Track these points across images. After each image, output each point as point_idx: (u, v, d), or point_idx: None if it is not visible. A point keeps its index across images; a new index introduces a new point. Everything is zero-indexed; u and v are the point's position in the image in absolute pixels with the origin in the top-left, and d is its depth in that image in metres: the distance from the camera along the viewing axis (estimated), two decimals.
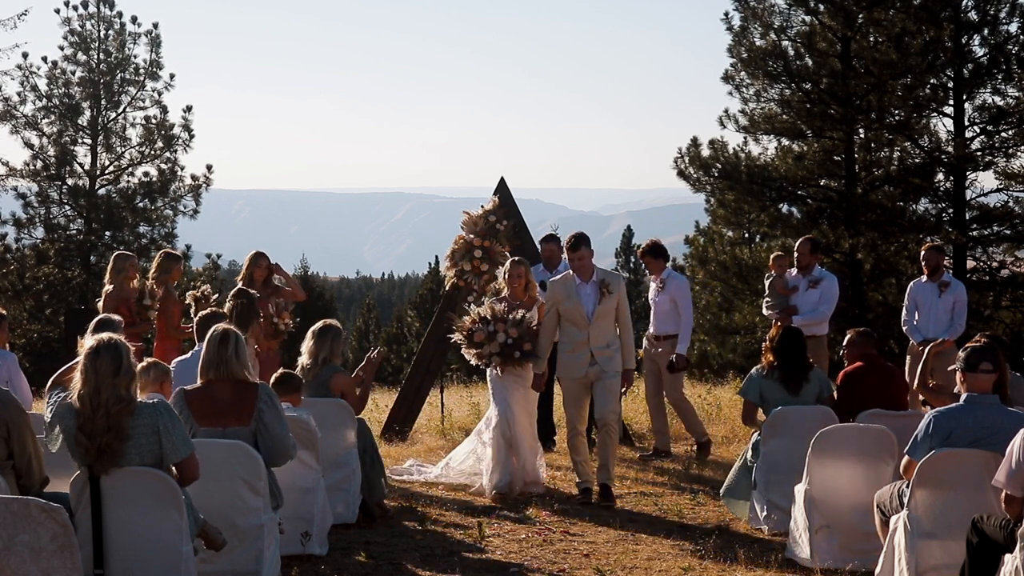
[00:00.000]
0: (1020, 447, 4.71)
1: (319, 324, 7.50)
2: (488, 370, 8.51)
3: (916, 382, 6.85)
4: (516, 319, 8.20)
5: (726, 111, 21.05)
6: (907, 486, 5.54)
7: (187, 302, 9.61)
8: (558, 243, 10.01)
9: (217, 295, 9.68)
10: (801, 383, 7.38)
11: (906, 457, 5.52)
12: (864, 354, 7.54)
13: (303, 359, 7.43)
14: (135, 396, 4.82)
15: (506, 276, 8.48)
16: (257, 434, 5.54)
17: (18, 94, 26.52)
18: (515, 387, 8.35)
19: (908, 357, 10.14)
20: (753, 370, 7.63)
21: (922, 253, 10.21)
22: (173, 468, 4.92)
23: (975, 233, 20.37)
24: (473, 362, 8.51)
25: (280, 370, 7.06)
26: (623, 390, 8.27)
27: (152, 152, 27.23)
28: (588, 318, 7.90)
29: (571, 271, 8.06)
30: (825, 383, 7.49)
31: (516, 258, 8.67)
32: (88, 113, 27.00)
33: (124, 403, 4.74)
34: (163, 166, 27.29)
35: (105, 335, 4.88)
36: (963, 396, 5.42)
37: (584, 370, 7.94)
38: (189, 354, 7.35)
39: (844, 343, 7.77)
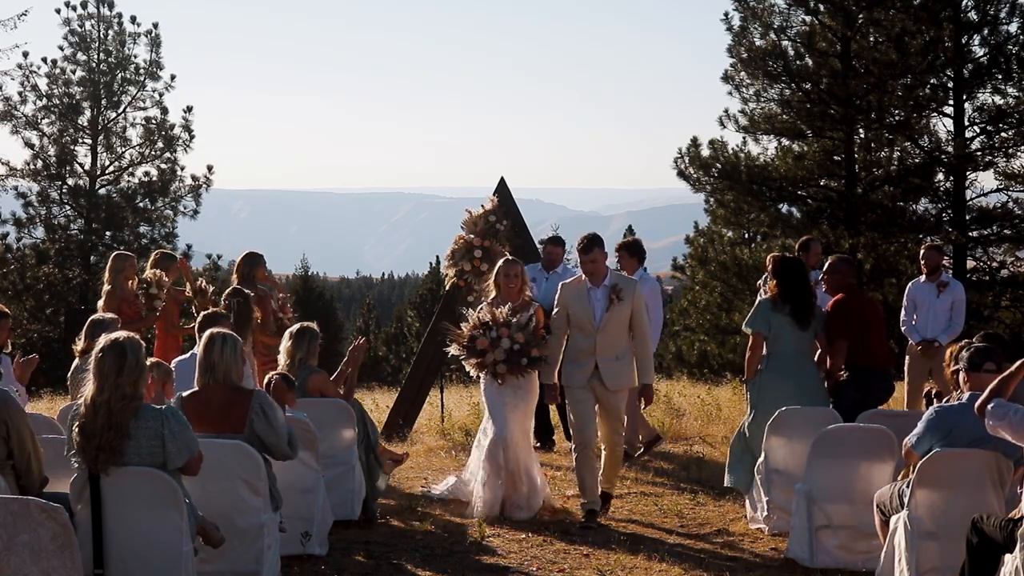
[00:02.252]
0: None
1: (296, 326, 7.55)
2: (482, 380, 7.86)
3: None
4: (521, 322, 7.57)
5: (726, 111, 21.09)
6: (907, 486, 5.55)
7: (186, 293, 9.61)
8: (562, 245, 9.98)
9: (212, 288, 9.70)
10: (809, 320, 7.46)
11: (907, 445, 5.55)
12: (846, 284, 7.77)
13: (281, 360, 7.46)
14: (141, 394, 4.82)
15: (500, 276, 7.79)
16: (251, 441, 5.54)
17: (19, 94, 26.58)
18: (513, 402, 7.68)
19: (907, 357, 10.14)
20: (761, 300, 7.69)
21: (921, 252, 10.22)
22: None
23: (975, 233, 20.38)
24: (474, 373, 7.82)
25: (273, 372, 7.05)
26: (642, 406, 7.79)
27: (152, 152, 27.28)
28: (596, 325, 7.30)
29: (583, 274, 7.45)
30: (822, 320, 7.61)
31: (510, 258, 8.07)
32: (88, 113, 27.05)
33: (127, 400, 4.74)
34: (163, 166, 27.34)
35: (116, 335, 4.89)
36: (966, 395, 5.43)
37: (586, 379, 7.34)
38: (188, 354, 7.36)
39: (825, 268, 7.99)
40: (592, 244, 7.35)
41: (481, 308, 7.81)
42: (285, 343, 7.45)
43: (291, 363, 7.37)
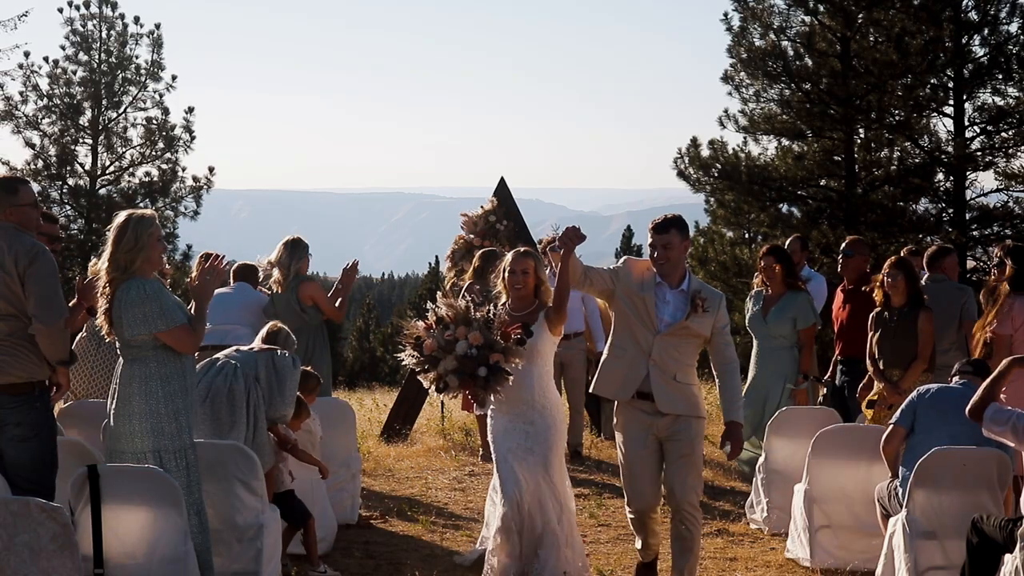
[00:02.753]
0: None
1: (290, 237, 7.85)
2: (489, 412, 5.95)
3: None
4: (483, 317, 5.65)
5: (726, 111, 21.09)
6: (901, 484, 5.57)
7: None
8: None
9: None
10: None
11: (890, 425, 5.80)
12: (865, 272, 8.08)
13: (275, 273, 7.67)
14: (137, 269, 4.93)
15: (505, 272, 5.88)
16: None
17: (20, 94, 26.56)
18: (524, 447, 5.74)
19: None
20: (752, 306, 8.23)
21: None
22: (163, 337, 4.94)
23: (975, 233, 20.38)
24: (427, 385, 5.80)
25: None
26: (728, 452, 5.60)
27: (153, 153, 27.27)
28: (657, 326, 5.40)
29: (651, 263, 5.53)
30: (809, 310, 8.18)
31: (523, 248, 6.07)
32: (89, 113, 27.02)
33: (119, 272, 4.91)
34: (164, 167, 27.33)
35: (135, 211, 5.07)
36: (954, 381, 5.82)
37: (632, 388, 5.45)
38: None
39: (848, 248, 8.31)
40: (669, 224, 5.50)
41: (439, 301, 5.87)
42: (278, 251, 7.75)
43: (286, 274, 7.61)
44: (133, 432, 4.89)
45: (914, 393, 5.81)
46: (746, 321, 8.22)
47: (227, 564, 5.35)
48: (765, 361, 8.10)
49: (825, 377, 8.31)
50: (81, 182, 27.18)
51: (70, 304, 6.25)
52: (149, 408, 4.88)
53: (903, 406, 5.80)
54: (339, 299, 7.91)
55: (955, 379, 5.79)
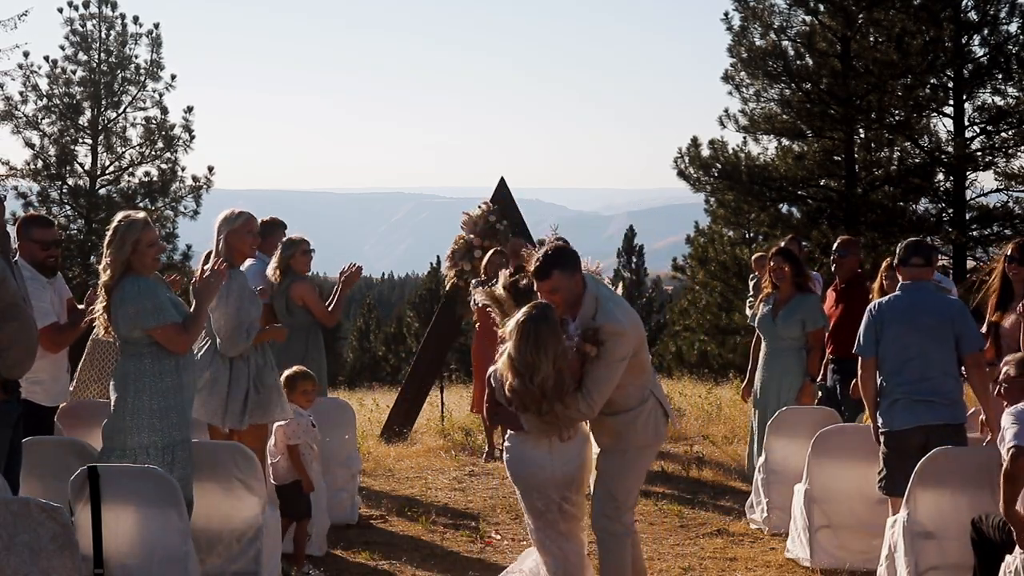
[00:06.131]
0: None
1: (286, 237, 7.84)
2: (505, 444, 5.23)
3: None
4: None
5: (726, 111, 21.12)
6: (881, 454, 5.72)
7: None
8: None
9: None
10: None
11: (860, 359, 5.83)
12: (859, 271, 8.17)
13: (269, 272, 7.66)
14: (124, 271, 4.99)
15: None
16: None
17: (20, 94, 26.56)
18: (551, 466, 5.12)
19: None
20: (762, 308, 8.05)
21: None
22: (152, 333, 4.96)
23: (975, 233, 20.39)
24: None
25: (296, 367, 6.96)
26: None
27: (153, 152, 27.25)
28: None
29: None
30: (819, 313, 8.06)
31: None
32: (89, 113, 27.02)
33: (111, 272, 5.01)
34: (163, 166, 27.32)
35: (129, 212, 5.13)
36: (899, 286, 5.87)
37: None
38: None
39: (841, 248, 8.24)
40: (549, 267, 4.91)
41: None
42: (276, 251, 7.73)
43: (281, 273, 7.60)
44: (125, 428, 4.90)
45: (866, 315, 5.85)
46: (755, 321, 8.15)
47: (227, 564, 5.35)
48: (773, 363, 7.97)
49: (818, 379, 8.26)
50: (81, 182, 27.17)
51: (83, 307, 6.27)
52: (140, 404, 4.89)
53: (863, 331, 5.82)
54: (334, 303, 7.76)
55: (904, 271, 5.85)
